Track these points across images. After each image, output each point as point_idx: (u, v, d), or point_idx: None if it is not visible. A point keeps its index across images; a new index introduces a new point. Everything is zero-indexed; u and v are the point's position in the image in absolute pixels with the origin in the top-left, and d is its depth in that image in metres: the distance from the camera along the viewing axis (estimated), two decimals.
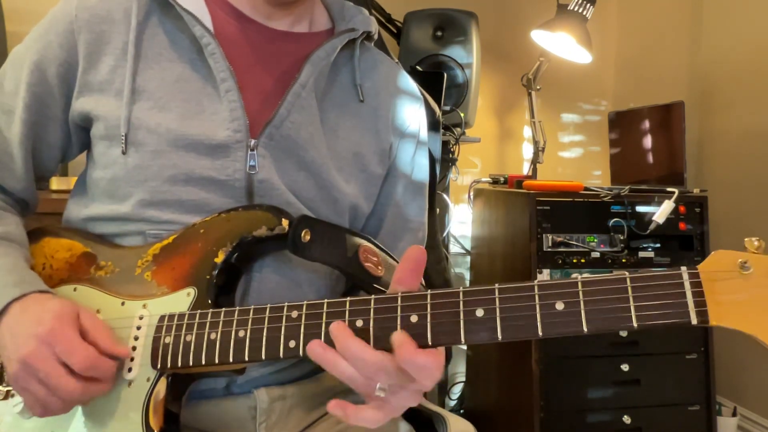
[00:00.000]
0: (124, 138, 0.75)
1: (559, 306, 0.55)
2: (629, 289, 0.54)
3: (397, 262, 0.82)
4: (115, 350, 0.68)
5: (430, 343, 0.59)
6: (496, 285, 0.58)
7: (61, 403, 0.66)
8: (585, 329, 0.54)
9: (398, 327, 0.59)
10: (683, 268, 0.53)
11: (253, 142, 0.77)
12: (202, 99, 0.77)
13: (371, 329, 0.61)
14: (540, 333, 0.55)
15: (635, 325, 0.53)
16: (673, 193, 1.75)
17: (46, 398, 0.65)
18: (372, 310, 0.61)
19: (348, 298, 0.63)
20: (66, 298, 0.73)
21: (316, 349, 0.60)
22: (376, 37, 0.91)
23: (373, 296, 0.62)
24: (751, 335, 0.49)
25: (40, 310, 0.67)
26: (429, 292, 0.60)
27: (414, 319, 0.60)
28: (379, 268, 0.77)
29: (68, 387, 0.64)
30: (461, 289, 0.59)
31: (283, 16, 0.84)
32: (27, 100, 0.79)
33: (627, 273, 0.54)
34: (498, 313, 0.57)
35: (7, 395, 0.74)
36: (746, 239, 0.51)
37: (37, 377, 0.65)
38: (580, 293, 0.55)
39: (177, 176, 0.75)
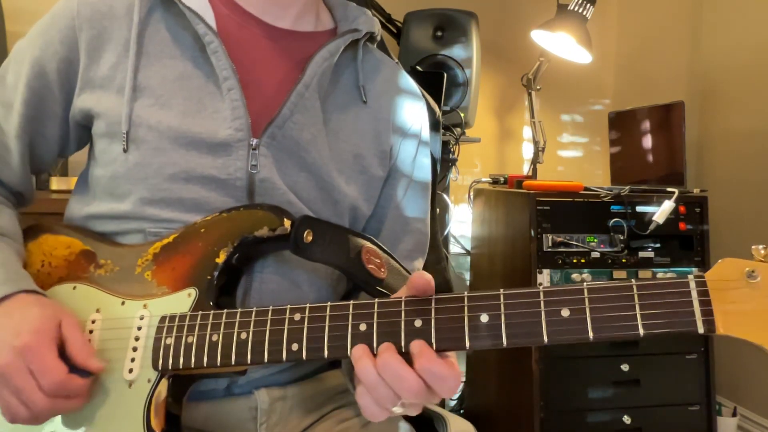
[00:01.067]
0: (125, 135, 0.75)
1: (565, 313, 0.55)
2: (635, 296, 0.53)
3: (399, 263, 0.81)
4: (89, 365, 0.67)
5: (434, 349, 0.58)
6: (501, 291, 0.57)
7: (30, 415, 0.66)
8: (591, 337, 0.54)
9: (402, 332, 0.59)
10: (690, 276, 0.52)
11: (255, 141, 0.76)
12: (204, 97, 0.77)
13: (374, 334, 0.60)
14: (545, 340, 0.55)
15: (641, 333, 0.52)
16: (673, 193, 1.75)
17: (16, 408, 0.66)
18: (375, 314, 0.61)
19: (351, 302, 0.63)
20: (54, 301, 0.73)
21: (358, 352, 0.59)
22: (379, 38, 0.91)
23: (376, 300, 0.62)
24: (760, 345, 0.49)
25: (20, 319, 0.67)
26: (433, 297, 0.59)
27: (418, 323, 0.59)
28: (382, 270, 0.76)
29: (38, 402, 0.65)
30: (466, 294, 0.58)
31: (286, 14, 0.84)
32: (25, 95, 0.79)
33: (633, 280, 0.54)
34: (503, 319, 0.57)
35: None
36: (753, 247, 0.51)
37: (10, 387, 0.65)
38: (586, 300, 0.55)
39: (178, 174, 0.75)
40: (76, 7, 0.78)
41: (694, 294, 0.52)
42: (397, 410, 0.59)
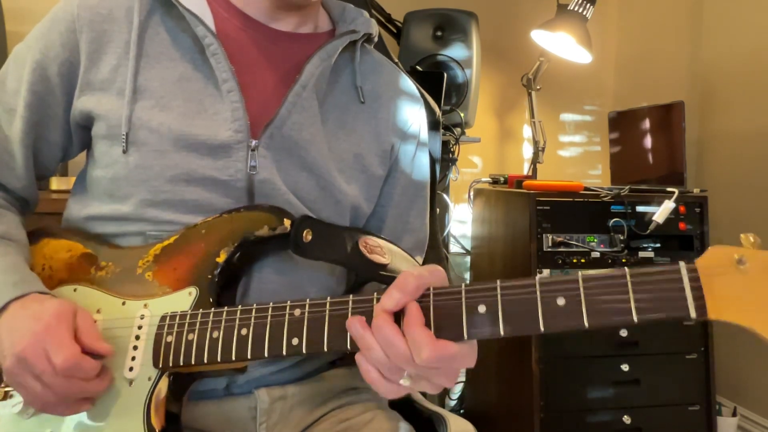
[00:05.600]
0: (125, 137, 0.75)
1: (560, 301, 0.56)
2: (629, 284, 0.54)
3: (400, 248, 0.82)
4: (96, 347, 0.67)
5: None
6: (498, 281, 0.58)
7: (57, 400, 0.66)
8: (586, 324, 0.55)
9: (401, 324, 0.60)
10: (681, 264, 0.53)
11: (254, 142, 0.77)
12: (204, 99, 0.77)
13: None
14: (542, 328, 0.56)
15: (635, 319, 0.53)
16: (673, 193, 1.75)
17: (43, 394, 0.66)
18: (374, 308, 0.61)
19: (350, 296, 0.63)
20: (65, 298, 0.73)
21: (356, 326, 0.59)
22: (376, 39, 0.91)
23: (375, 294, 0.62)
24: (749, 328, 0.50)
25: (39, 308, 0.68)
26: (431, 289, 0.60)
27: None
28: (385, 256, 0.77)
29: (56, 384, 0.65)
30: (463, 285, 0.59)
31: (288, 18, 0.84)
32: (28, 99, 0.79)
33: (626, 269, 0.55)
34: (500, 308, 0.57)
35: (6, 395, 0.74)
36: (742, 235, 0.52)
37: (32, 373, 0.65)
38: (581, 288, 0.55)
39: (178, 176, 0.75)
40: (76, 10, 0.78)
41: (686, 280, 0.52)
42: (405, 383, 0.59)
